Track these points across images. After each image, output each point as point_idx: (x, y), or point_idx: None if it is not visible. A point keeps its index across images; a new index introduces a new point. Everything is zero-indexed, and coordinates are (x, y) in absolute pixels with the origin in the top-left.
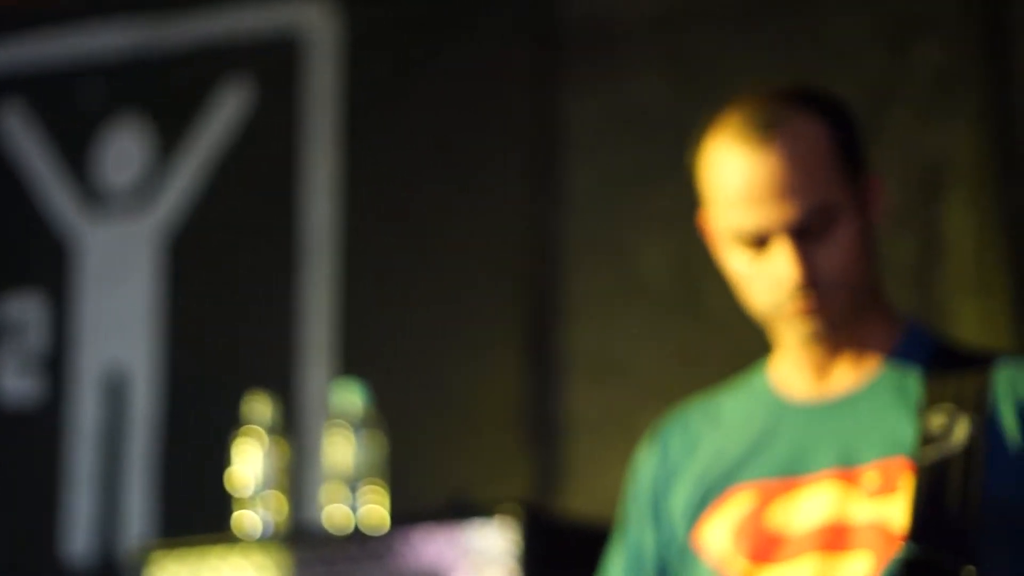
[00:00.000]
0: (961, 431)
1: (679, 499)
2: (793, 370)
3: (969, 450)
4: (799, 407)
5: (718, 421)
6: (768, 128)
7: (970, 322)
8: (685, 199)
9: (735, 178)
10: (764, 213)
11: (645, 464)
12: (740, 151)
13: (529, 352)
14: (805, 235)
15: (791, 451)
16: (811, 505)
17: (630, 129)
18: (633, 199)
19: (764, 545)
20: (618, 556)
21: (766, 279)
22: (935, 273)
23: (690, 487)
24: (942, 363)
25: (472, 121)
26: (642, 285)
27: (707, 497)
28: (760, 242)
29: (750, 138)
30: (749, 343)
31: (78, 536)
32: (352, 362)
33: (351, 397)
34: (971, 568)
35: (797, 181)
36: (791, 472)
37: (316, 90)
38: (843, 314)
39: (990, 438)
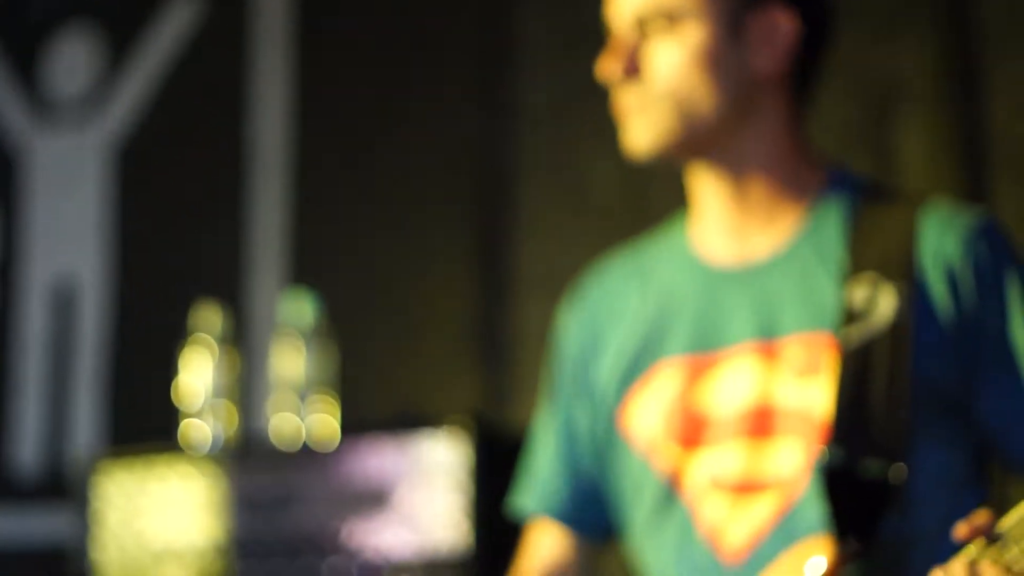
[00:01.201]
0: (886, 304)
1: (605, 368)
2: (711, 229)
3: (895, 327)
4: (719, 271)
5: (640, 282)
6: None
7: None
8: None
9: None
10: (612, 7)
11: (570, 327)
12: None
13: (480, 266)
14: (644, 35)
15: (712, 320)
16: (734, 383)
17: (583, 45)
18: (585, 115)
19: (692, 428)
20: (549, 428)
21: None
22: None
23: (614, 360)
24: (866, 216)
25: (424, 36)
26: (593, 201)
27: (632, 373)
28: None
29: None
30: None
31: (26, 445)
32: (303, 273)
33: (301, 308)
34: (900, 465)
35: None
36: (713, 344)
37: (267, 2)
38: (674, 128)
39: (918, 310)
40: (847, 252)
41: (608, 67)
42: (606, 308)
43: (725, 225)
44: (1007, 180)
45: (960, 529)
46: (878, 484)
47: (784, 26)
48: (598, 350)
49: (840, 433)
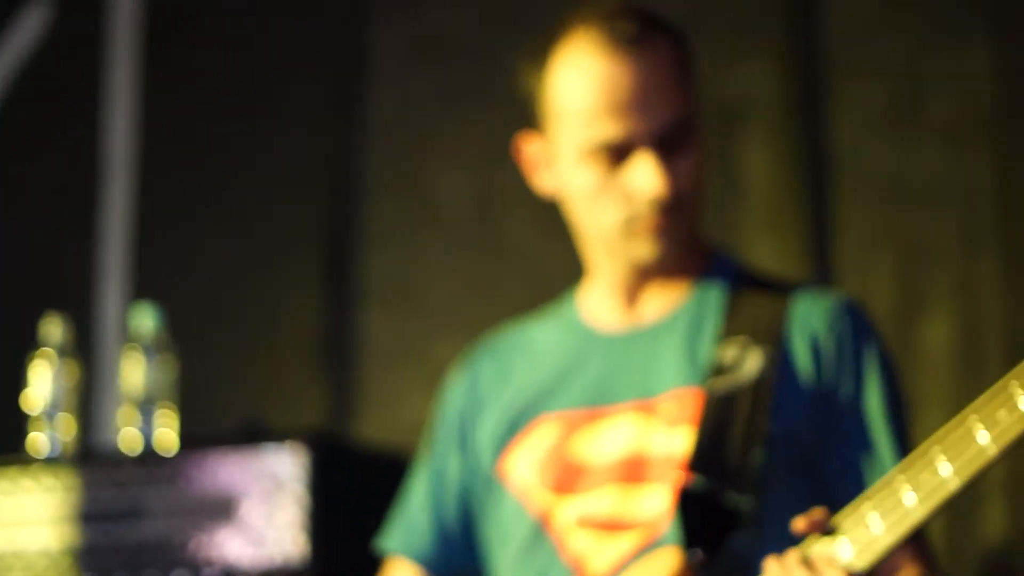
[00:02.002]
0: (752, 363)
1: (486, 430)
2: (603, 300)
3: (758, 383)
4: (606, 337)
5: (528, 351)
6: (633, 41)
7: (767, 260)
8: (488, 129)
9: (597, 88)
10: (629, 122)
11: (454, 391)
12: (604, 61)
13: (327, 279)
14: (665, 149)
15: (597, 382)
16: (612, 436)
17: (435, 57)
18: (435, 129)
19: (566, 476)
20: (422, 479)
21: (620, 194)
22: (733, 211)
23: (497, 418)
24: (743, 292)
25: (276, 46)
26: (441, 215)
27: (513, 428)
28: (617, 155)
29: (615, 50)
30: (545, 275)
31: None
32: (149, 285)
33: (146, 320)
34: (751, 499)
35: (660, 92)
36: (596, 403)
37: (119, 12)
38: (685, 236)
39: (781, 371)
40: (723, 319)
41: (649, 191)
42: (492, 374)
43: (619, 297)
44: (851, 200)
45: (798, 523)
46: (729, 510)
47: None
48: (480, 413)
49: (699, 465)
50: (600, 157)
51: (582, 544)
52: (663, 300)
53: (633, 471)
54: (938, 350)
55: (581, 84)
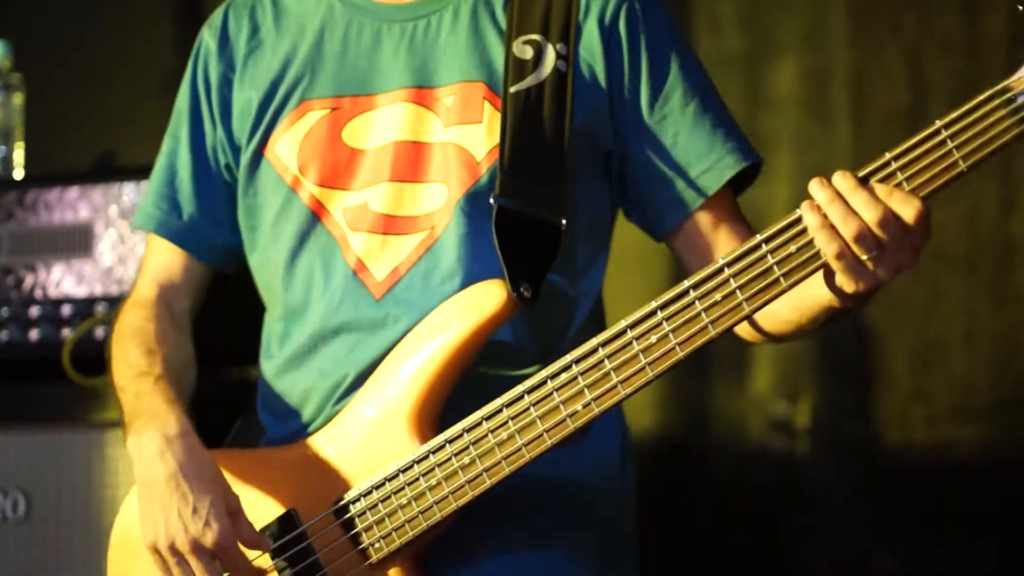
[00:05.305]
0: (549, 62)
1: (245, 104)
2: None
3: (556, 82)
4: (372, 5)
5: (286, 14)
6: None
7: None
8: None
9: None
10: None
11: (207, 52)
12: None
13: (179, 15)
14: None
15: (367, 62)
16: (384, 128)
17: None
18: None
19: (335, 171)
20: (180, 149)
21: None
22: None
23: (259, 94)
24: None
25: None
26: None
27: (279, 111)
28: None
29: None
30: None
31: None
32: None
33: None
34: (562, 221)
35: None
36: (365, 89)
37: None
38: None
39: (577, 68)
40: (514, 12)
41: None
42: (246, 37)
43: None
44: None
45: None
46: (546, 228)
47: None
48: (238, 81)
49: (507, 181)
50: None
51: (362, 245)
52: None
53: (409, 167)
54: (785, 95)
55: None
